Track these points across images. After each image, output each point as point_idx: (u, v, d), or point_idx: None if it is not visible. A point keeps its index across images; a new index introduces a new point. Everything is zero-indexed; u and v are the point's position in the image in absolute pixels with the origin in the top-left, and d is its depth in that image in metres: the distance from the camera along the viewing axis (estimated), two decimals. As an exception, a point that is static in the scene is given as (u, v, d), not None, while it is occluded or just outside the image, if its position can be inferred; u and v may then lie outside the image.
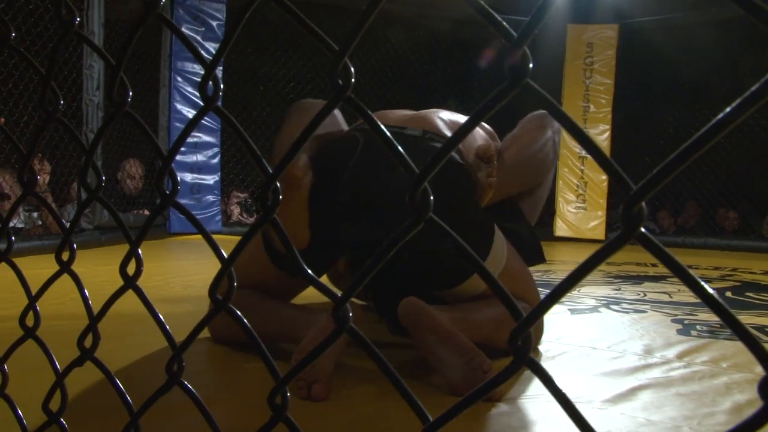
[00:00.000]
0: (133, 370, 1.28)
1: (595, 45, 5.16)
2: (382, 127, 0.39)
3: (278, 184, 0.42)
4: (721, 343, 1.58)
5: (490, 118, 0.39)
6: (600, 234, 5.15)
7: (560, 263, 3.54)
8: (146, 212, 4.67)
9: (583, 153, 5.12)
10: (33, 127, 3.62)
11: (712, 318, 1.91)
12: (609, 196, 5.17)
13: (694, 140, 0.30)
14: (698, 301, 2.25)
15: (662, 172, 0.30)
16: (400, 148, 0.38)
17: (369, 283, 1.47)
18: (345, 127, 1.51)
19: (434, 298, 1.38)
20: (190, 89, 4.59)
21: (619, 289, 2.58)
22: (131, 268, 0.55)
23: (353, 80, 0.40)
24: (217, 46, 4.59)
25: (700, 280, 0.30)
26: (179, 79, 4.58)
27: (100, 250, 3.60)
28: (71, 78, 3.72)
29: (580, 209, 5.22)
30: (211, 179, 4.77)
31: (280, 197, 0.43)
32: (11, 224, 3.59)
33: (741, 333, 0.29)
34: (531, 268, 1.53)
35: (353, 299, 1.53)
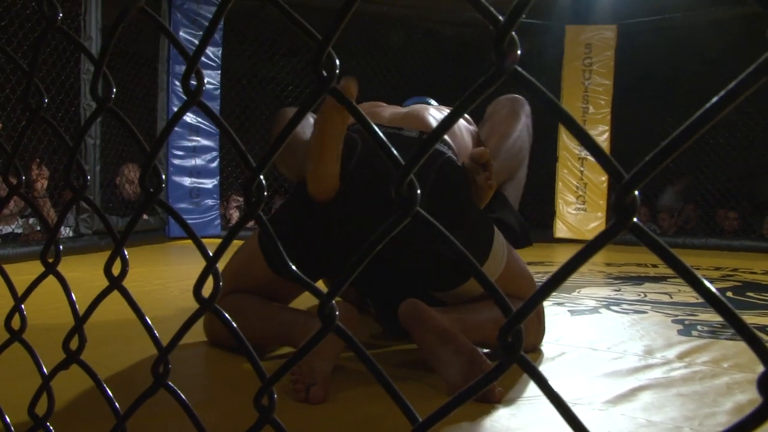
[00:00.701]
0: (125, 374, 1.27)
1: (593, 46, 5.15)
2: (375, 127, 0.38)
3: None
4: (722, 344, 1.57)
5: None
6: (600, 235, 5.12)
7: (560, 264, 3.52)
8: (145, 217, 4.66)
9: (583, 154, 5.10)
10: (30, 133, 3.61)
11: (713, 318, 1.90)
12: (609, 197, 5.15)
13: (685, 128, 0.29)
14: (699, 301, 2.24)
15: (654, 160, 0.29)
16: (392, 147, 0.37)
17: (369, 286, 1.47)
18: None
19: (434, 299, 1.38)
20: (188, 93, 4.58)
21: (620, 290, 2.56)
22: (116, 269, 0.54)
23: (338, 71, 0.39)
24: (214, 50, 4.58)
25: (693, 270, 0.29)
26: (177, 83, 4.57)
27: (100, 255, 3.59)
28: (69, 83, 3.71)
29: (580, 210, 5.20)
30: (209, 183, 4.75)
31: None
32: (9, 230, 3.58)
33: (737, 325, 0.27)
34: (531, 269, 1.52)
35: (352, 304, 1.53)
